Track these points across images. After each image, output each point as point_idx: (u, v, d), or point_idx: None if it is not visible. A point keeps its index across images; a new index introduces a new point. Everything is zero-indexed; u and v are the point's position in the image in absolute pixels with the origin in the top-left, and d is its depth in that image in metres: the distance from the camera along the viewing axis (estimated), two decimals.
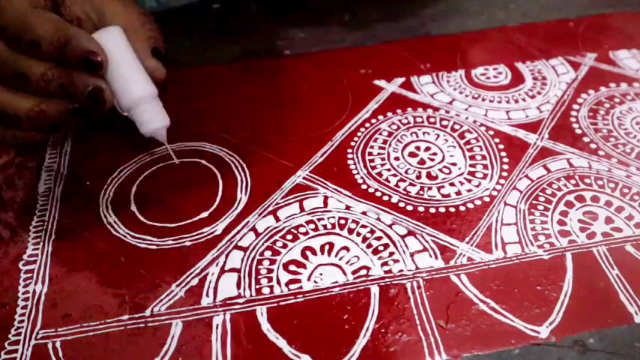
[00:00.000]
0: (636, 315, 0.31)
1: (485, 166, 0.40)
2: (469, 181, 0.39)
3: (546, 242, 0.35)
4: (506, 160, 0.40)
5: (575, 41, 0.50)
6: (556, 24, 0.52)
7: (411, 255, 0.34)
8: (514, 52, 0.49)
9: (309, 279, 0.33)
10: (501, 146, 0.41)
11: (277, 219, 0.36)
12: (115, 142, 0.41)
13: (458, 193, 0.38)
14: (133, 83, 0.34)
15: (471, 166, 0.40)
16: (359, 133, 0.42)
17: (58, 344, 0.31)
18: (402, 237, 0.35)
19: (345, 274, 0.33)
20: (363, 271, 0.34)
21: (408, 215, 0.36)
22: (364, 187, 0.38)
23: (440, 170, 0.39)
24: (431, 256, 0.34)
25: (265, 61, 0.48)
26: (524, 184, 0.38)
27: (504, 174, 0.39)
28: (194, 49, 0.48)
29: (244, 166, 0.40)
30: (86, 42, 0.32)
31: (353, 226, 0.36)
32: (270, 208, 0.37)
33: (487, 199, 0.37)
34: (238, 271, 0.34)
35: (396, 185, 0.38)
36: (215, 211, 0.37)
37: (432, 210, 0.37)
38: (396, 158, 0.40)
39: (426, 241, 0.35)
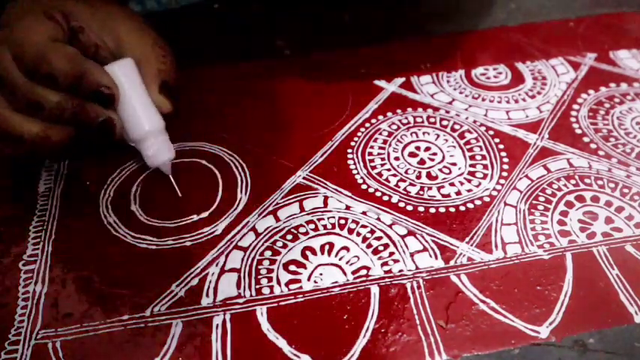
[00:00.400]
0: (636, 315, 0.31)
1: (485, 166, 0.40)
2: (469, 181, 0.39)
3: (546, 242, 0.35)
4: (506, 160, 0.40)
5: (575, 41, 0.50)
6: (556, 24, 0.52)
7: (411, 255, 0.34)
8: (514, 52, 0.49)
9: (309, 279, 0.33)
10: (501, 146, 0.41)
11: (277, 219, 0.36)
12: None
13: (458, 193, 0.38)
14: (141, 117, 0.36)
15: (471, 166, 0.40)
16: (359, 133, 0.42)
17: (58, 344, 0.31)
18: (402, 237, 0.35)
19: (345, 274, 0.33)
20: (363, 271, 0.34)
21: (408, 215, 0.36)
22: (364, 187, 0.38)
23: (440, 170, 0.39)
24: (431, 256, 0.34)
25: (265, 61, 0.48)
26: (524, 184, 0.38)
27: (504, 174, 0.39)
28: (194, 49, 0.48)
29: (244, 166, 0.40)
30: (100, 76, 0.34)
31: (353, 226, 0.36)
32: (270, 208, 0.37)
33: (487, 199, 0.37)
34: (238, 271, 0.34)
35: (396, 185, 0.38)
36: (215, 211, 0.37)
37: (432, 210, 0.37)
38: (396, 158, 0.40)
39: (426, 241, 0.35)
